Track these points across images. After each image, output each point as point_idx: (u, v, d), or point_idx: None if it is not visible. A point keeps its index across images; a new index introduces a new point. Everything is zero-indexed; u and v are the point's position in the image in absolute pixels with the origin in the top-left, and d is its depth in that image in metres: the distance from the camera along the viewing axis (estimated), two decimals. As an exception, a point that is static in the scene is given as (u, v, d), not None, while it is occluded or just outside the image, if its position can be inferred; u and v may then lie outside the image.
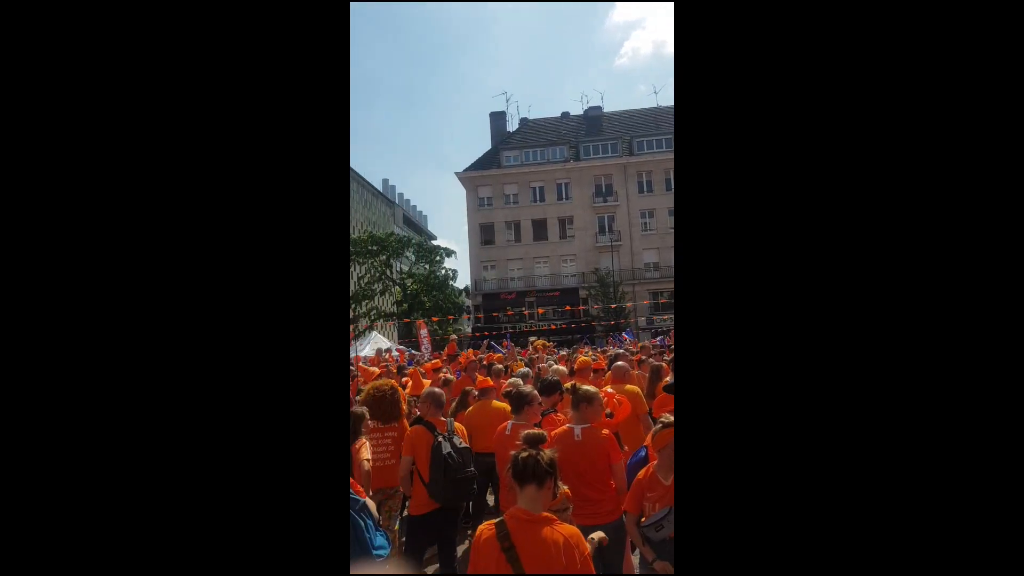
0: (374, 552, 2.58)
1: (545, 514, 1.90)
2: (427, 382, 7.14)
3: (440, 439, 3.62)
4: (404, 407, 4.65)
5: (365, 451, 3.72)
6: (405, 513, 4.07)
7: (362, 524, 2.59)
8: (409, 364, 9.82)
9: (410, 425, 4.00)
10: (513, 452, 2.00)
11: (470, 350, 13.35)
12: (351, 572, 1.54)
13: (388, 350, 13.55)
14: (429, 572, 4.10)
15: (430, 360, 10.48)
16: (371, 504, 2.80)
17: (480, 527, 1.97)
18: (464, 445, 3.67)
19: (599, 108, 38.21)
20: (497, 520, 1.94)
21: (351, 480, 2.83)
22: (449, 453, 3.54)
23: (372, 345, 16.24)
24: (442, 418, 3.89)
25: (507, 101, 51.03)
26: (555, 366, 7.01)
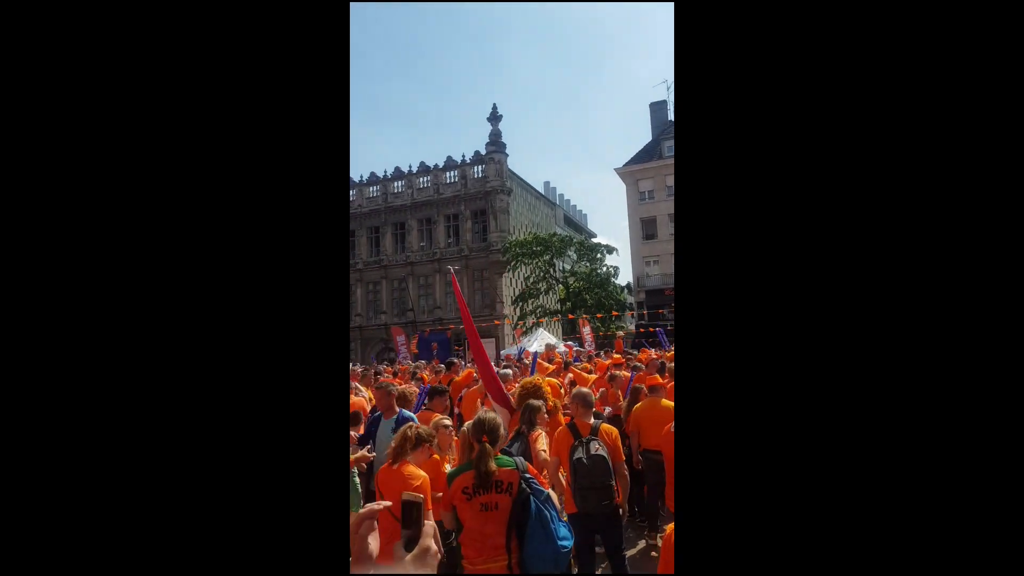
0: (559, 543, 2.65)
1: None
2: (592, 377, 7.28)
3: (576, 443, 3.58)
4: (551, 403, 4.82)
5: (541, 441, 3.95)
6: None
7: (547, 515, 2.69)
8: (576, 360, 10.01)
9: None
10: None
11: (646, 349, 13.16)
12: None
13: (554, 346, 13.98)
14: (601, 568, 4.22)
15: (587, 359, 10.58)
16: (554, 496, 2.89)
17: (669, 526, 2.03)
18: (598, 453, 3.52)
19: (773, 83, 34.70)
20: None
21: (533, 470, 2.96)
22: (579, 459, 3.47)
23: (540, 341, 16.88)
24: (590, 421, 3.84)
25: (668, 89, 48.43)
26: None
